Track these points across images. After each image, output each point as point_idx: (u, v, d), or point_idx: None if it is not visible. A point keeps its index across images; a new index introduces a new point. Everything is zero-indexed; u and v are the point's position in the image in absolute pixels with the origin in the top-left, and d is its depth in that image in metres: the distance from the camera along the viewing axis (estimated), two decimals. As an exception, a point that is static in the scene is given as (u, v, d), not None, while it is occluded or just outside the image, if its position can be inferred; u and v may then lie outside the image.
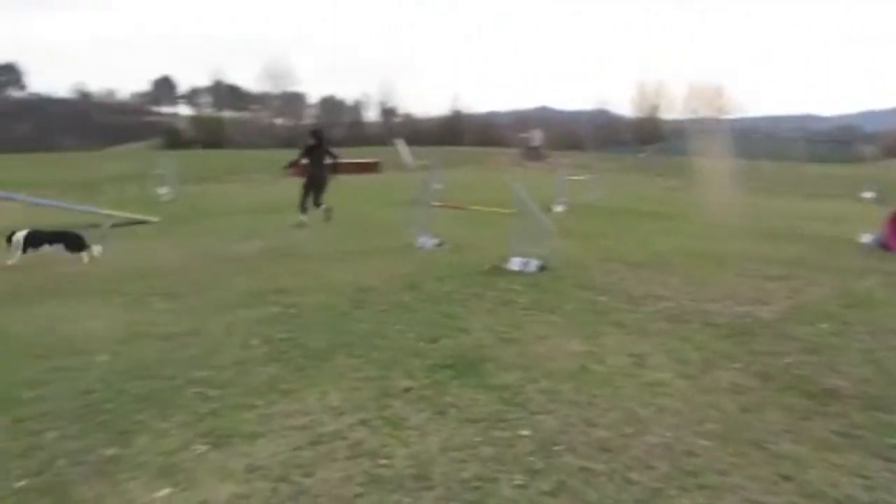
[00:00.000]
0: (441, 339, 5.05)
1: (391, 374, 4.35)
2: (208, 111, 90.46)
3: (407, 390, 4.07)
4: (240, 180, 22.62)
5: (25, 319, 5.66)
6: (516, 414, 3.74)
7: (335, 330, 5.32)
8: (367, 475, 3.09)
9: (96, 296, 6.47)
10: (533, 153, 33.69)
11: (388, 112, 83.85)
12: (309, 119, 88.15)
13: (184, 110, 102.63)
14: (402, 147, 25.71)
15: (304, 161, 12.38)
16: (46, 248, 8.22)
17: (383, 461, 3.22)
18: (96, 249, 8.44)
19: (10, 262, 7.89)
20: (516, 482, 3.03)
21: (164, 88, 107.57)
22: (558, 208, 13.26)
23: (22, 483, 3.01)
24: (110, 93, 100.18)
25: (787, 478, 3.11)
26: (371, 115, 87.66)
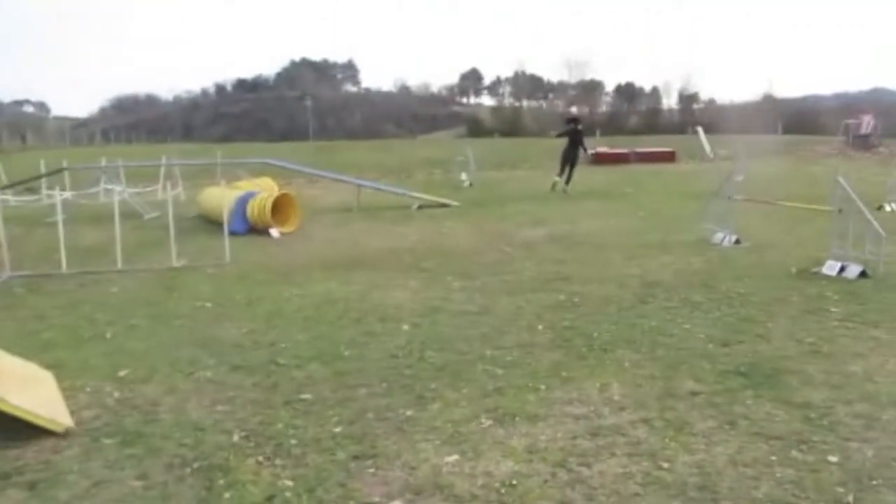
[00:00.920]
0: (735, 344, 4.68)
1: (676, 374, 4.15)
2: (508, 101, 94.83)
3: (693, 394, 3.86)
4: (532, 167, 23.35)
5: (345, 287, 6.54)
6: (823, 437, 3.31)
7: (619, 322, 5.25)
8: (646, 476, 3.01)
9: (401, 270, 7.22)
10: (861, 142, 29.28)
11: (688, 98, 79.53)
12: (605, 107, 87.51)
13: (486, 101, 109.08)
14: (701, 135, 24.21)
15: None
16: None
17: (664, 464, 3.09)
18: None
19: None
20: (817, 513, 2.70)
21: (470, 80, 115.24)
22: (891, 207, 11.39)
23: (338, 429, 3.50)
24: (426, 86, 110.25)
25: None
26: (671, 102, 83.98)
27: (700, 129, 25.71)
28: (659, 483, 2.93)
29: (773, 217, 9.96)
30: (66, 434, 3.43)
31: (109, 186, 13.01)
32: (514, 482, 2.95)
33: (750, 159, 18.69)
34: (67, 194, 12.79)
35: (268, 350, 4.74)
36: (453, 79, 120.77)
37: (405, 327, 5.22)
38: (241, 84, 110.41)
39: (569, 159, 15.35)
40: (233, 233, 9.06)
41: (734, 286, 6.27)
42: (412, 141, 54.13)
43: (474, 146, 22.97)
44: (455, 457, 3.19)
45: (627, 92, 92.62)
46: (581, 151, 15.54)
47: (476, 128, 72.22)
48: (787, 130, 35.49)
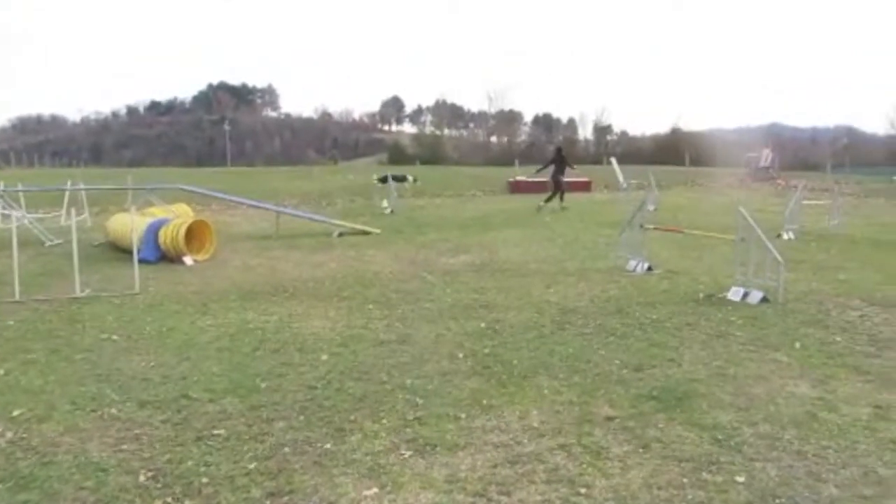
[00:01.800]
0: (648, 369, 4.83)
1: (593, 400, 4.24)
2: (429, 129, 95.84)
3: (609, 419, 3.95)
4: (453, 195, 23.58)
5: (262, 317, 6.37)
6: (730, 458, 3.45)
7: (538, 349, 5.33)
8: (565, 502, 3.04)
9: (320, 299, 7.11)
10: (761, 174, 31.14)
11: (602, 130, 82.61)
12: (524, 136, 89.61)
13: (408, 128, 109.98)
14: (615, 166, 25.09)
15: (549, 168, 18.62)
16: None
17: (582, 490, 3.14)
18: None
19: None
20: (726, 533, 2.79)
21: (392, 108, 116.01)
22: (788, 235, 12.11)
23: (253, 465, 3.38)
24: (347, 112, 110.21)
25: None
26: (586, 133, 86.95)
27: (614, 160, 26.65)
28: (577, 509, 2.97)
29: (682, 245, 10.40)
30: (-50, 481, 3.16)
31: (7, 212, 12.27)
32: (435, 514, 2.92)
33: (659, 190, 19.56)
34: (-40, 220, 11.97)
35: (179, 384, 4.54)
36: (375, 106, 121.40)
37: (324, 357, 5.12)
38: (155, 106, 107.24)
39: (559, 183, 18.05)
40: (143, 260, 8.70)
41: (647, 312, 6.49)
42: (333, 167, 53.75)
43: (396, 173, 23.02)
44: (374, 490, 3.14)
45: (545, 122, 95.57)
46: (568, 169, 18.68)
47: (398, 155, 72.49)
48: (693, 162, 37.32)
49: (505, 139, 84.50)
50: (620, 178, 23.48)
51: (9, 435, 3.73)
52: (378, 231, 13.04)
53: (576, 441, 3.65)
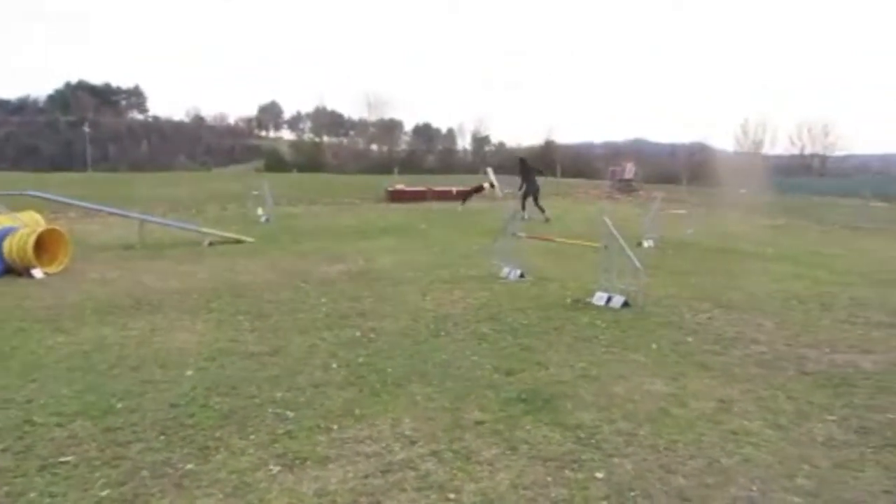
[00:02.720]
0: (517, 373, 4.98)
1: (465, 405, 4.32)
2: (308, 136, 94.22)
3: (480, 423, 4.03)
4: (331, 204, 23.32)
5: (121, 332, 6.00)
6: (591, 455, 3.62)
7: (413, 357, 5.36)
8: (433, 508, 3.07)
9: (187, 311, 6.79)
10: (625, 186, 33.04)
11: (480, 140, 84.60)
12: (404, 145, 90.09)
13: (286, 135, 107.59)
14: (491, 175, 25.79)
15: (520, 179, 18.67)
16: None
17: (451, 495, 3.18)
18: None
19: None
20: (586, 528, 2.92)
21: (269, 114, 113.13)
22: (648, 243, 12.91)
23: (105, 493, 3.16)
24: (221, 116, 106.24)
25: (885, 547, 2.86)
26: (465, 143, 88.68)
27: (490, 170, 27.38)
28: (445, 514, 3.01)
29: (553, 252, 10.82)
30: None
31: None
32: (302, 529, 2.86)
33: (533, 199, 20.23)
34: None
35: (22, 408, 4.18)
36: (251, 111, 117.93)
37: (189, 373, 4.89)
38: (3, 105, 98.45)
39: (530, 192, 18.01)
40: (-15, 274, 7.95)
41: (518, 318, 6.70)
42: (206, 174, 51.63)
43: (272, 181, 22.46)
44: (239, 509, 3.03)
45: (425, 132, 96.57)
46: (536, 179, 18.36)
47: (275, 162, 70.75)
48: (564, 173, 38.99)
49: (385, 148, 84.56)
50: (497, 187, 24.14)
51: None
52: (252, 240, 12.65)
53: (447, 447, 3.70)
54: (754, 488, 3.31)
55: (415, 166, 66.15)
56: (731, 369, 5.18)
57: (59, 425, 3.91)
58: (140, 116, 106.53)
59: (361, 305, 7.19)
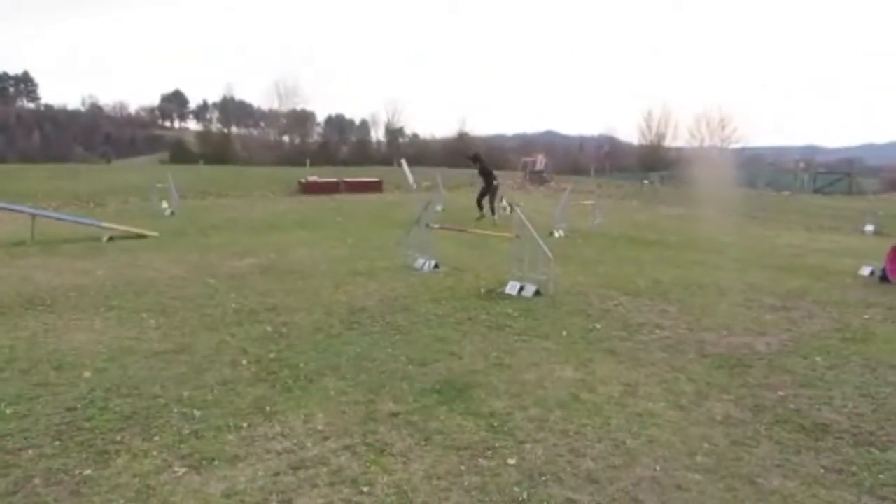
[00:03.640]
0: (431, 363, 4.99)
1: (379, 398, 4.29)
2: (216, 126, 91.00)
3: (393, 415, 4.02)
4: (241, 196, 22.67)
5: (11, 333, 5.62)
6: (503, 442, 3.68)
7: (326, 351, 5.28)
8: (347, 503, 3.03)
9: (85, 310, 6.44)
10: (536, 177, 33.73)
11: (394, 132, 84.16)
12: (316, 137, 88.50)
13: (192, 125, 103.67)
14: (405, 167, 25.74)
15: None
16: None
17: (365, 488, 3.16)
18: None
19: None
20: (498, 514, 2.96)
21: (174, 103, 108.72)
22: (558, 233, 13.24)
23: (-7, 502, 2.96)
24: (121, 106, 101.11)
25: (776, 516, 3.04)
26: (378, 135, 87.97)
27: (404, 161, 27.31)
28: (359, 508, 2.98)
29: (467, 243, 10.91)
30: None
31: None
32: (209, 532, 2.77)
33: (447, 190, 20.37)
34: None
35: None
36: (154, 100, 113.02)
37: (87, 374, 4.63)
38: None
39: (490, 192, 15.94)
40: None
41: (433, 308, 6.72)
42: (105, 166, 49.13)
43: (178, 172, 21.60)
44: (141, 514, 2.90)
45: (338, 123, 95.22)
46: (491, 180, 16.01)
47: (181, 153, 68.04)
48: (479, 165, 39.46)
49: (297, 139, 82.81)
50: (410, 179, 24.13)
51: None
52: (156, 234, 12.13)
53: (360, 440, 3.67)
54: (658, 468, 3.45)
55: (328, 158, 65.13)
56: (636, 354, 5.38)
57: (-62, 435, 3.62)
58: (31, 105, 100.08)
59: (273, 300, 7.03)
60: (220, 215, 16.56)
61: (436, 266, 8.90)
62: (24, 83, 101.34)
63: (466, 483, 3.22)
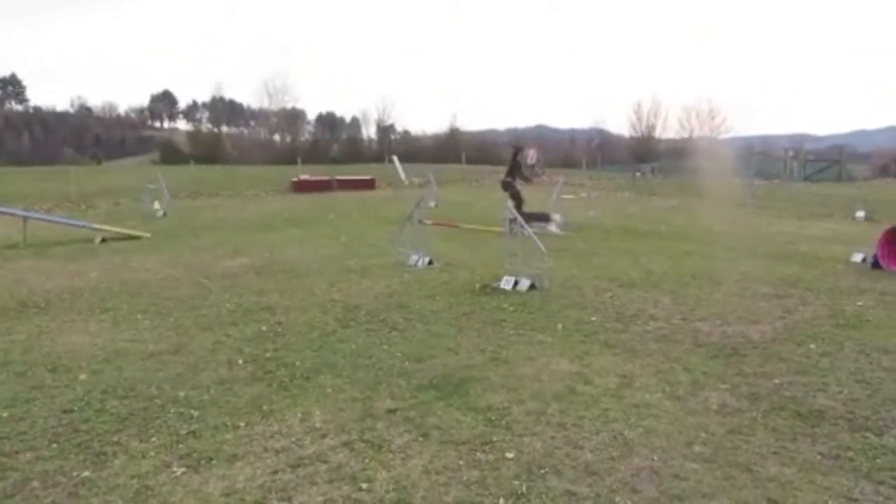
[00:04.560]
0: (428, 359, 5.00)
1: (376, 394, 4.29)
2: (206, 126, 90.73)
3: (391, 411, 4.02)
4: (233, 196, 22.61)
5: (5, 336, 5.60)
6: (501, 436, 3.68)
7: (321, 349, 5.28)
8: (347, 499, 3.03)
9: (81, 312, 6.42)
10: (528, 171, 33.75)
11: (385, 129, 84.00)
12: (307, 135, 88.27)
13: (182, 125, 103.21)
14: (397, 164, 25.73)
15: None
16: None
17: (364, 485, 3.16)
18: None
19: None
20: (498, 507, 2.97)
21: (163, 103, 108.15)
22: (552, 227, 13.23)
23: (-9, 506, 2.95)
24: (110, 107, 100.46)
25: (774, 501, 3.06)
26: (370, 132, 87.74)
27: (396, 158, 27.30)
28: (359, 505, 2.98)
29: (461, 239, 10.91)
30: None
31: None
32: (209, 531, 2.76)
33: (439, 186, 20.38)
34: None
35: None
36: (143, 100, 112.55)
37: (83, 377, 4.62)
38: None
39: (506, 187, 14.09)
40: None
41: (428, 305, 6.72)
42: (95, 167, 48.92)
43: (169, 173, 21.51)
44: (140, 515, 2.89)
45: (329, 121, 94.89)
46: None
47: (171, 154, 67.72)
48: (469, 160, 39.30)
49: (288, 138, 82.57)
50: (402, 175, 24.11)
51: None
52: (148, 235, 12.08)
53: (358, 437, 3.67)
54: (655, 458, 3.46)
55: (319, 156, 64.95)
56: (632, 345, 5.40)
57: (-66, 441, 3.60)
58: (19, 107, 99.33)
59: (267, 299, 7.01)
60: (212, 215, 16.51)
61: (430, 262, 8.89)
62: (12, 85, 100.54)
63: (465, 477, 3.22)
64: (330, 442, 3.61)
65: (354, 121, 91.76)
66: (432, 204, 17.46)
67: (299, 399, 4.23)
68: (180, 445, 3.57)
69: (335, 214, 16.47)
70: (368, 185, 26.73)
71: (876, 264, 9.00)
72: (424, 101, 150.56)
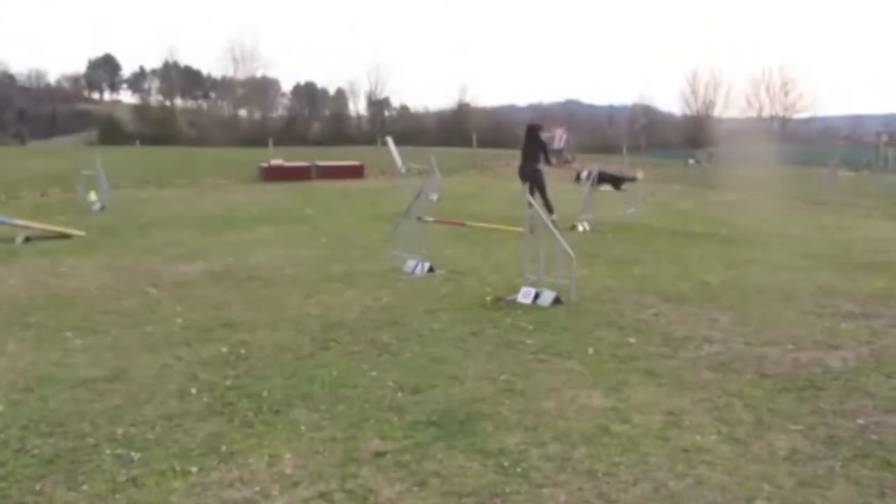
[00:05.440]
0: (426, 390, 5.01)
1: (360, 433, 4.30)
2: (156, 99, 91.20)
3: (379, 455, 4.03)
4: (188, 185, 22.72)
5: None
6: (517, 486, 3.68)
7: (295, 375, 5.30)
8: (322, 564, 3.04)
9: (-2, 329, 6.46)
10: (555, 157, 33.83)
11: (377, 104, 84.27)
12: (282, 110, 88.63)
13: (127, 97, 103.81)
14: (391, 147, 25.81)
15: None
16: None
17: (344, 546, 3.17)
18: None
19: None
20: (511, 575, 2.98)
21: (104, 70, 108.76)
22: (583, 226, 13.27)
23: None
24: (38, 75, 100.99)
25: (855, 574, 3.05)
26: (358, 107, 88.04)
27: (390, 140, 27.38)
28: (337, 571, 2.98)
29: (469, 240, 10.94)
30: None
31: None
32: None
33: (443, 175, 20.43)
34: None
35: None
36: (79, 67, 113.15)
37: (-1, 408, 4.65)
38: None
39: (527, 176, 13.63)
40: None
41: (427, 322, 6.73)
42: (18, 149, 49.25)
43: (109, 156, 21.63)
44: (67, 582, 2.90)
45: (308, 93, 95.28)
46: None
47: (112, 132, 68.20)
48: (481, 143, 39.47)
49: (257, 114, 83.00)
50: (398, 161, 24.18)
51: None
52: (82, 233, 12.17)
53: (338, 486, 3.67)
54: (708, 515, 3.46)
55: (296, 137, 65.33)
56: (681, 375, 5.40)
57: None
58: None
59: (229, 314, 7.05)
60: (162, 209, 16.60)
61: (430, 269, 8.92)
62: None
63: (471, 538, 3.23)
64: (303, 492, 3.61)
65: (340, 93, 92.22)
66: (434, 197, 17.53)
67: (266, 438, 4.23)
68: (117, 496, 3.58)
69: (314, 209, 16.54)
70: (356, 172, 26.86)
71: None
72: (427, 69, 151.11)
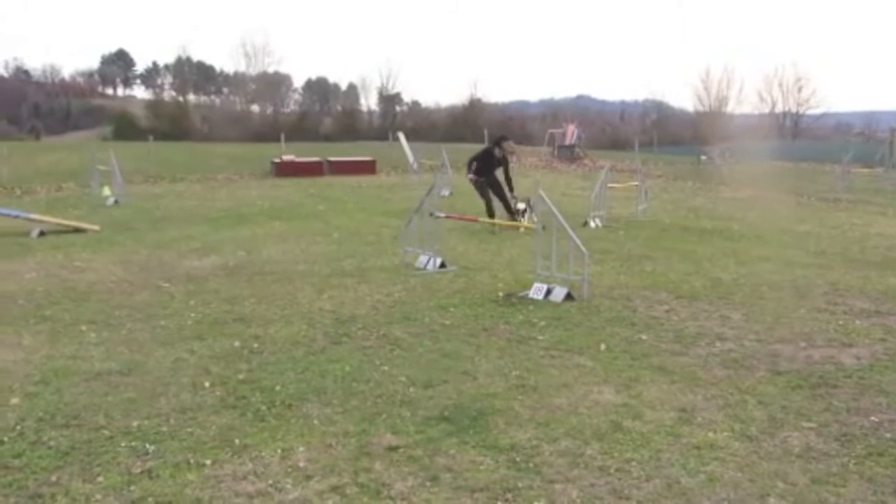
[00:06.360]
0: (438, 385, 5.02)
1: (373, 427, 4.32)
2: (169, 94, 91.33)
3: (392, 449, 4.04)
4: (201, 180, 22.78)
5: (-76, 350, 5.69)
6: (529, 481, 3.68)
7: (307, 370, 5.32)
8: (335, 557, 3.05)
9: (12, 323, 6.52)
10: (566, 153, 33.73)
11: (389, 100, 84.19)
12: (294, 105, 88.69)
13: (140, 93, 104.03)
14: (403, 143, 25.78)
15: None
16: None
17: (357, 539, 3.17)
18: None
19: None
20: (523, 570, 2.98)
21: (117, 66, 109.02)
22: (594, 223, 13.24)
23: None
24: (52, 70, 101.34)
25: (869, 572, 3.04)
26: (369, 103, 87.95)
27: (402, 136, 27.34)
28: (350, 564, 2.99)
29: (480, 236, 10.93)
30: None
31: None
32: None
33: (454, 171, 20.40)
34: None
35: None
36: (93, 63, 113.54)
37: (14, 401, 4.69)
38: None
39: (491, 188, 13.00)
40: None
41: (439, 317, 6.75)
42: (34, 144, 49.52)
43: (123, 152, 21.72)
44: (83, 572, 2.92)
45: (320, 89, 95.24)
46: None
47: (126, 128, 68.40)
48: (493, 139, 39.44)
49: (270, 109, 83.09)
50: (410, 157, 24.14)
51: None
52: (97, 228, 12.23)
53: (351, 480, 3.69)
54: (721, 511, 3.45)
55: (308, 132, 65.38)
56: (693, 372, 5.38)
57: None
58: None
59: (241, 308, 7.08)
60: (175, 204, 16.66)
61: (442, 265, 8.92)
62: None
63: (483, 532, 3.23)
64: (316, 486, 3.63)
65: (351, 89, 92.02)
66: (446, 193, 17.51)
67: (279, 432, 4.25)
68: (132, 487, 3.60)
69: (326, 204, 16.56)
70: (368, 168, 26.85)
71: None
72: (438, 65, 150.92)
